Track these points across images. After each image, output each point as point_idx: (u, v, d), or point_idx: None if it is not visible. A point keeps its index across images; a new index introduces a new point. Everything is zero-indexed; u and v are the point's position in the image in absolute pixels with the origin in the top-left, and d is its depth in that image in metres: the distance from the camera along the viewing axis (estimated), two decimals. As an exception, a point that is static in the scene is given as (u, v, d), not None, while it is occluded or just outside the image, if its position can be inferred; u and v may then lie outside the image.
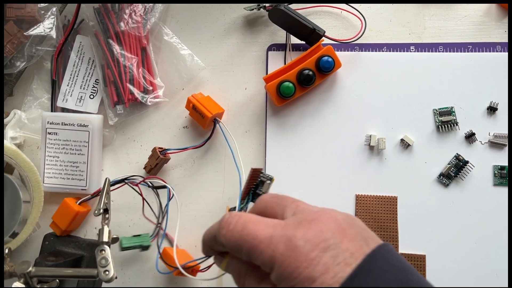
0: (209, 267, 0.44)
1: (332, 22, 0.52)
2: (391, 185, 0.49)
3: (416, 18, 0.52)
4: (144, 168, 0.50)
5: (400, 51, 0.51)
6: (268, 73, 0.51)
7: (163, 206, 0.48)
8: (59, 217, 0.48)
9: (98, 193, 0.49)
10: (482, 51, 0.50)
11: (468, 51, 0.50)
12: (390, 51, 0.51)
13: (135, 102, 0.51)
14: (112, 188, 0.47)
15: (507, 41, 0.50)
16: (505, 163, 0.48)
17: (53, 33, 0.51)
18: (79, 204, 0.49)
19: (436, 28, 0.51)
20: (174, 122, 0.52)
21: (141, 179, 0.47)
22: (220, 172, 0.51)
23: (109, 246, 0.41)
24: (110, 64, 0.50)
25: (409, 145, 0.49)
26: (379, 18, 0.52)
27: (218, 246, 0.33)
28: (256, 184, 0.45)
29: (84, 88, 0.52)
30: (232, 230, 0.31)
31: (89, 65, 0.52)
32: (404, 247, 0.48)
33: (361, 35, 0.50)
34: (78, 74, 0.52)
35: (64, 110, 0.52)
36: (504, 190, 0.48)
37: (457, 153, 0.48)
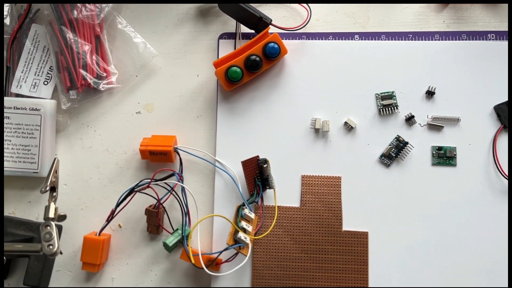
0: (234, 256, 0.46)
1: (281, 13, 0.55)
2: (335, 166, 0.51)
3: (361, 9, 0.54)
4: (150, 231, 0.50)
5: (345, 39, 0.53)
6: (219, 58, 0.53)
7: (180, 196, 0.49)
8: (87, 255, 0.48)
9: (111, 219, 0.48)
10: (422, 40, 0.53)
11: (408, 39, 0.53)
12: (335, 39, 0.53)
13: (89, 88, 0.53)
14: (125, 202, 0.47)
15: (444, 30, 0.53)
16: (442, 144, 0.51)
17: (7, 21, 0.52)
18: (99, 235, 0.49)
19: (379, 18, 0.54)
20: (127, 107, 0.54)
21: (147, 181, 0.48)
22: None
23: (56, 223, 0.42)
24: (64, 50, 0.51)
25: (352, 127, 0.51)
26: (325, 8, 0.54)
27: None
28: (259, 172, 0.49)
29: (38, 75, 0.53)
30: None
31: (44, 52, 0.53)
32: (348, 224, 0.50)
33: (306, 24, 0.53)
34: (32, 61, 0.53)
35: (18, 96, 0.52)
36: (441, 170, 0.50)
37: (397, 135, 0.51)
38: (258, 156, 0.50)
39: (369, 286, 0.48)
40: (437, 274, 0.48)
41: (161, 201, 0.48)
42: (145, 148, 0.50)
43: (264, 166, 0.49)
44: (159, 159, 0.50)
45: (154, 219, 0.49)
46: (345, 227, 0.50)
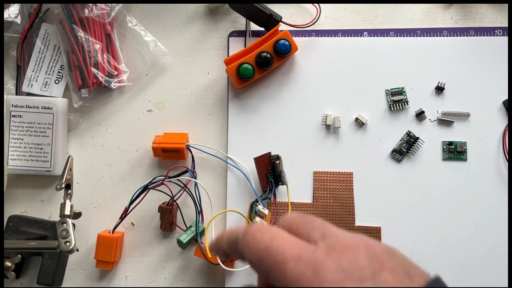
0: None
1: (289, 11, 0.55)
2: (347, 162, 0.51)
3: (369, 6, 0.55)
4: (163, 229, 0.50)
5: (354, 36, 0.54)
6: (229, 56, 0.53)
7: (193, 192, 0.49)
8: (102, 253, 0.48)
9: (124, 216, 0.49)
10: (430, 36, 0.53)
11: (417, 36, 0.53)
12: (344, 36, 0.54)
13: (100, 87, 0.53)
14: (138, 199, 0.48)
15: (452, 26, 0.54)
16: (452, 139, 0.51)
17: (18, 20, 0.52)
18: (112, 233, 0.49)
19: (387, 15, 0.54)
20: (138, 106, 0.54)
21: (161, 178, 0.48)
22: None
23: (72, 221, 0.42)
24: (75, 49, 0.51)
25: (363, 123, 0.51)
26: (334, 6, 0.55)
27: (235, 252, 0.29)
28: (271, 168, 0.50)
29: (49, 74, 0.53)
30: (257, 239, 0.27)
31: (54, 51, 0.53)
32: (360, 220, 0.50)
33: (316, 21, 0.53)
34: (43, 60, 0.53)
35: (29, 95, 0.53)
36: (452, 164, 0.51)
37: (408, 130, 0.51)
38: (270, 153, 0.50)
39: (383, 280, 0.48)
40: (449, 268, 0.49)
41: (175, 198, 0.49)
42: (157, 145, 0.50)
43: (277, 162, 0.49)
44: (171, 156, 0.50)
45: (168, 216, 0.49)
46: (358, 223, 0.50)
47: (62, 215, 0.42)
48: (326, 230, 0.27)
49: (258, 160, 0.50)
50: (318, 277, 0.24)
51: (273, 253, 0.25)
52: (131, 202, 0.48)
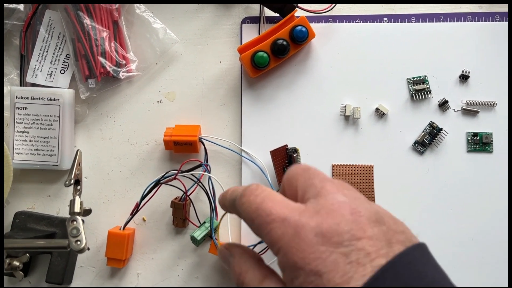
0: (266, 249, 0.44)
1: (305, -5, 0.52)
2: (367, 154, 0.49)
3: (389, -10, 0.52)
4: (176, 225, 0.48)
5: (374, 22, 0.51)
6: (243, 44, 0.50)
7: (208, 188, 0.47)
8: (112, 250, 0.46)
9: (135, 212, 0.47)
10: (453, 21, 0.51)
11: (439, 21, 0.51)
12: (363, 22, 0.51)
13: (107, 77, 0.50)
14: (150, 194, 0.46)
15: (476, 11, 0.51)
16: (477, 130, 0.49)
17: (21, 6, 0.49)
18: (123, 229, 0.47)
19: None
20: (148, 96, 0.51)
21: (173, 172, 0.46)
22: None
23: (81, 218, 0.40)
24: (81, 37, 0.49)
25: (384, 114, 0.49)
26: (352, -10, 0.52)
27: (234, 211, 0.32)
28: (287, 162, 0.47)
29: (54, 64, 0.51)
30: (251, 200, 0.29)
31: (59, 40, 0.51)
32: (381, 215, 0.48)
33: (334, 6, 0.50)
34: (48, 49, 0.51)
35: (34, 85, 0.50)
36: (477, 156, 0.48)
37: (431, 121, 0.49)
38: (286, 145, 0.48)
39: (405, 277, 0.46)
40: (474, 264, 0.47)
41: (188, 193, 0.47)
42: (169, 138, 0.47)
43: (294, 155, 0.47)
44: (183, 149, 0.48)
45: (181, 212, 0.47)
46: (379, 217, 0.48)
47: (72, 213, 0.40)
48: (322, 189, 0.28)
49: (275, 153, 0.47)
50: (298, 237, 0.26)
51: (262, 214, 0.28)
52: (143, 198, 0.46)
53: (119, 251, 0.46)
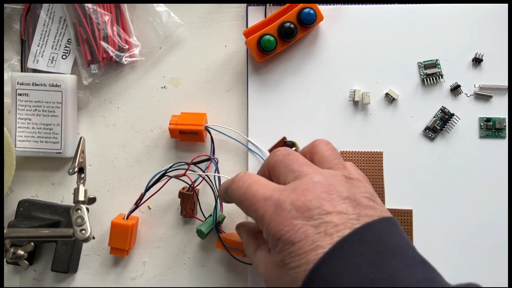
0: None
1: (313, -24, 0.51)
2: (376, 141, 0.48)
3: (399, -30, 0.50)
4: (184, 215, 0.47)
5: (384, 3, 0.49)
6: (249, 27, 0.49)
7: (214, 181, 0.46)
8: (116, 240, 0.45)
9: (140, 203, 0.46)
10: (466, 2, 0.49)
11: (452, 2, 0.49)
12: (373, 3, 0.49)
13: (110, 62, 0.49)
14: (156, 187, 0.45)
15: (491, -9, 0.49)
16: (490, 115, 0.47)
17: (21, -10, 0.48)
18: (127, 219, 0.46)
19: (420, -20, 0.50)
20: (151, 82, 0.50)
21: (180, 165, 0.45)
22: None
23: (86, 206, 0.39)
24: (82, 21, 0.48)
25: (394, 99, 0.48)
26: (361, -30, 0.50)
27: (228, 198, 0.37)
28: None
29: (56, 49, 0.49)
30: (239, 186, 0.34)
31: (60, 24, 0.50)
32: (391, 202, 0.47)
33: (343, -13, 0.49)
34: (49, 34, 0.49)
35: (35, 71, 0.49)
36: (490, 142, 0.47)
37: (442, 106, 0.48)
38: (285, 138, 0.47)
39: (414, 266, 0.46)
40: (486, 253, 0.46)
41: (194, 185, 0.46)
42: (174, 127, 0.46)
43: (293, 149, 0.46)
44: (189, 138, 0.47)
45: (189, 203, 0.46)
46: (388, 205, 0.47)
47: (76, 201, 0.39)
48: (301, 172, 0.33)
49: (275, 147, 0.46)
50: (277, 213, 0.31)
51: (249, 196, 0.33)
52: (147, 189, 0.45)
53: (122, 241, 0.45)
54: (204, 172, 0.46)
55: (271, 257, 0.32)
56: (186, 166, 0.45)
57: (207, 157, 0.46)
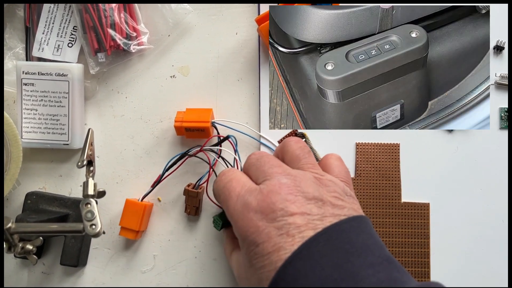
0: None
1: (328, -40, 0.48)
2: (392, 132, 0.46)
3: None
4: (189, 213, 0.46)
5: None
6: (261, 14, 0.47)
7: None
8: (127, 220, 0.44)
9: (156, 184, 0.45)
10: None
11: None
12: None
13: (118, 50, 0.48)
14: (175, 166, 0.45)
15: (514, -24, 0.47)
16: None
17: (24, -25, 0.46)
18: (142, 201, 0.45)
19: (439, -36, 0.48)
20: (160, 71, 0.49)
21: (195, 150, 0.45)
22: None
23: (96, 200, 0.38)
24: (88, 7, 0.46)
25: (411, 89, 0.46)
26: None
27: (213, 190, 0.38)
28: None
29: (61, 36, 0.48)
30: (221, 180, 0.36)
31: (65, 11, 0.48)
32: (407, 195, 0.46)
33: (360, -28, 0.47)
34: (54, 21, 0.48)
35: (40, 60, 0.48)
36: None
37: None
38: (296, 130, 0.46)
39: (431, 260, 0.44)
40: (504, 247, 0.45)
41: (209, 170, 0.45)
42: (180, 124, 0.45)
43: (303, 140, 0.44)
44: (195, 135, 0.46)
45: (194, 200, 0.45)
46: (405, 199, 0.46)
47: (86, 195, 0.38)
48: (270, 175, 0.33)
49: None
50: (243, 213, 0.32)
51: (225, 191, 0.34)
52: (166, 169, 0.44)
53: (134, 221, 0.44)
54: (218, 154, 0.45)
55: (242, 258, 0.33)
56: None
57: (223, 137, 0.45)
